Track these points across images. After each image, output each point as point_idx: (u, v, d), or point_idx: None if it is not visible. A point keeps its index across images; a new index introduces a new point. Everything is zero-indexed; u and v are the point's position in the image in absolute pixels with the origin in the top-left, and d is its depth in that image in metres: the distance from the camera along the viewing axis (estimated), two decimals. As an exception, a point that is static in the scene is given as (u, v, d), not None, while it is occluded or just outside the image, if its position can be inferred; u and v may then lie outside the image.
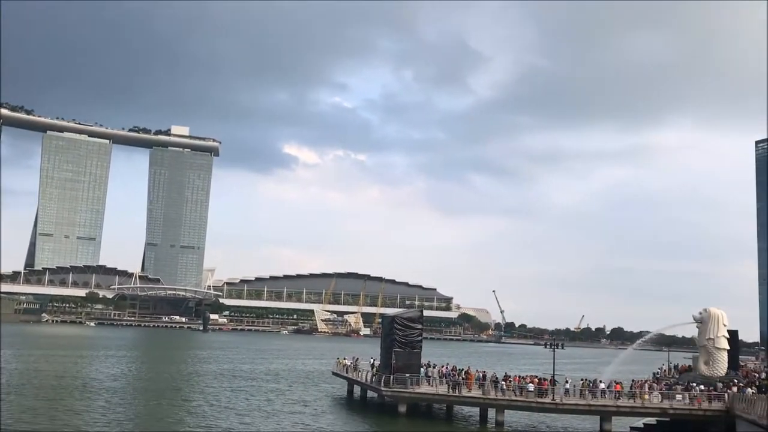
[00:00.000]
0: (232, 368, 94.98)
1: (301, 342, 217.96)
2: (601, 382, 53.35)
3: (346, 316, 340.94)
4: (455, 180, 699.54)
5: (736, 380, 54.97)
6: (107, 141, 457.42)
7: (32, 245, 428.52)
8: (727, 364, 57.16)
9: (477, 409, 53.70)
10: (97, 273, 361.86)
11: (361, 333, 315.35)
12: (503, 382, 52.89)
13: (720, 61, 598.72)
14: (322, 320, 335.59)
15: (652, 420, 51.70)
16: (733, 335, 59.40)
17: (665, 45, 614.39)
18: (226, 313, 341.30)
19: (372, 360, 65.63)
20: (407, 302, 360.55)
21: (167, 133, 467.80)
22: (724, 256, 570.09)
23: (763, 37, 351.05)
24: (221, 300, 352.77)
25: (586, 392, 50.97)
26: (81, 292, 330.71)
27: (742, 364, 75.55)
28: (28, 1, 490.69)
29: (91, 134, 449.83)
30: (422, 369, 56.38)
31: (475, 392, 52.36)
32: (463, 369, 60.47)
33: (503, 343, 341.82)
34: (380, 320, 75.69)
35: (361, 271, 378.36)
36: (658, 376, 69.53)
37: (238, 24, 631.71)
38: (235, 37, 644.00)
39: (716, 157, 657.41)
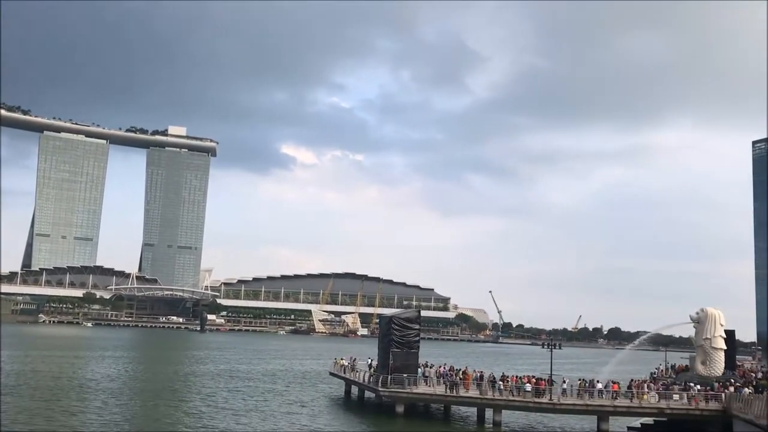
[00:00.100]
0: (230, 369, 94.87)
1: (298, 342, 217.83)
2: (598, 382, 53.34)
3: (343, 317, 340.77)
4: (453, 180, 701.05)
5: (733, 380, 55.06)
6: (104, 141, 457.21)
7: (29, 246, 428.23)
8: (724, 364, 57.23)
9: (474, 410, 53.72)
10: (94, 273, 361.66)
11: (359, 333, 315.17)
12: (500, 382, 52.82)
13: (720, 61, 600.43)
14: (319, 320, 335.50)
15: (649, 420, 51.75)
16: (730, 335, 59.52)
17: (665, 45, 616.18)
18: (224, 313, 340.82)
19: (369, 360, 65.55)
20: (405, 302, 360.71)
21: (164, 133, 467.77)
22: (723, 256, 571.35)
23: (763, 37, 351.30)
24: (218, 300, 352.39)
25: (584, 392, 51.02)
26: (78, 293, 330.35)
27: (739, 364, 75.79)
28: (26, 1, 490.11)
29: (88, 134, 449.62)
30: (420, 369, 56.28)
31: (473, 392, 52.35)
32: (460, 369, 60.35)
33: (500, 343, 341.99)
34: (378, 320, 75.60)
35: (358, 272, 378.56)
36: (655, 375, 69.60)
37: (235, 24, 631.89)
38: (233, 37, 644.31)
39: (716, 157, 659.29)
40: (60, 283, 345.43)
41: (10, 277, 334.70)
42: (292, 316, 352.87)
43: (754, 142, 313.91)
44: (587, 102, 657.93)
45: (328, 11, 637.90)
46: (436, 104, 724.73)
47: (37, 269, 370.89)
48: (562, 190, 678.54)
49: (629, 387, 52.75)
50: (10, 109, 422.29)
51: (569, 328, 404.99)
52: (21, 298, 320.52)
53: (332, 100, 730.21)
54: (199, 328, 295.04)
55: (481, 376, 55.70)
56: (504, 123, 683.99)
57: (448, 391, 52.28)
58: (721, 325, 57.44)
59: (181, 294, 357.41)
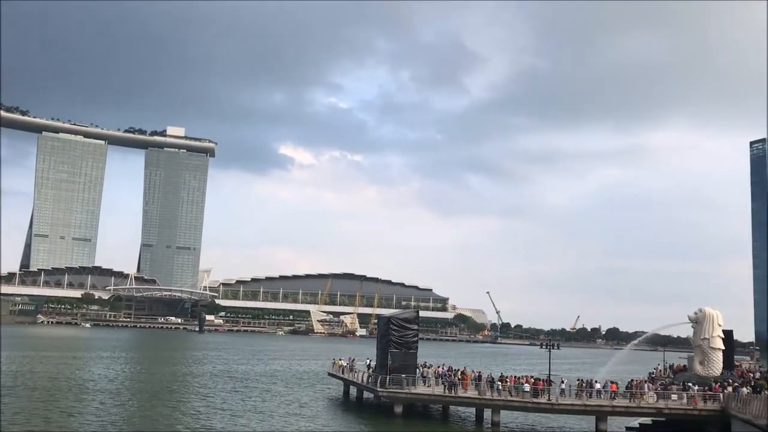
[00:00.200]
0: (228, 369, 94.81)
1: (297, 343, 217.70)
2: (596, 382, 53.37)
3: (342, 317, 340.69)
4: (451, 180, 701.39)
5: (731, 380, 55.12)
6: (103, 142, 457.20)
7: (27, 246, 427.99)
8: (722, 364, 57.30)
9: (473, 410, 53.77)
10: (92, 274, 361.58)
11: (357, 334, 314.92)
12: (499, 383, 52.85)
13: (719, 61, 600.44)
14: (318, 321, 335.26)
15: (647, 420, 51.79)
16: (728, 335, 59.60)
17: (664, 45, 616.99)
18: (222, 314, 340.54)
19: (368, 361, 65.56)
20: (403, 303, 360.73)
21: (163, 134, 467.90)
22: (722, 256, 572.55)
23: (763, 37, 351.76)
24: (217, 301, 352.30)
25: (582, 392, 51.02)
26: (76, 293, 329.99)
27: (737, 363, 75.85)
28: (24, 2, 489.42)
29: (87, 135, 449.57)
30: (418, 369, 56.36)
31: (471, 393, 52.36)
32: (459, 369, 60.41)
33: (499, 343, 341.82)
34: (376, 321, 75.55)
35: (357, 272, 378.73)
36: (654, 375, 69.66)
37: (233, 25, 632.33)
38: (231, 38, 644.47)
39: (714, 157, 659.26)
40: (58, 284, 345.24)
41: (9, 278, 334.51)
42: (291, 317, 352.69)
43: (751, 143, 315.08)
44: (586, 102, 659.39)
45: (327, 12, 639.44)
46: (435, 104, 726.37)
47: (36, 270, 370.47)
48: (560, 191, 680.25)
49: (627, 387, 52.80)
50: (8, 109, 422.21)
51: (567, 329, 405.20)
52: (19, 298, 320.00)
53: (330, 101, 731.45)
54: (197, 329, 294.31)
55: (480, 377, 55.74)
56: (503, 123, 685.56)
57: (446, 391, 52.28)
58: (719, 325, 57.55)
59: (179, 294, 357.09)
